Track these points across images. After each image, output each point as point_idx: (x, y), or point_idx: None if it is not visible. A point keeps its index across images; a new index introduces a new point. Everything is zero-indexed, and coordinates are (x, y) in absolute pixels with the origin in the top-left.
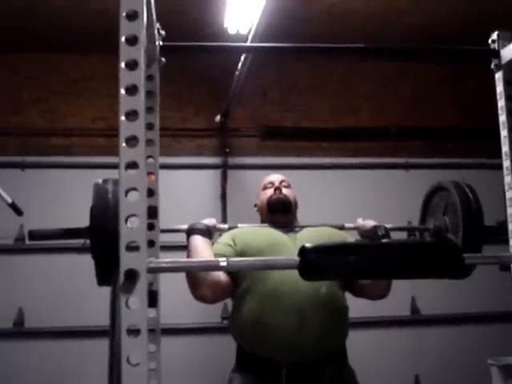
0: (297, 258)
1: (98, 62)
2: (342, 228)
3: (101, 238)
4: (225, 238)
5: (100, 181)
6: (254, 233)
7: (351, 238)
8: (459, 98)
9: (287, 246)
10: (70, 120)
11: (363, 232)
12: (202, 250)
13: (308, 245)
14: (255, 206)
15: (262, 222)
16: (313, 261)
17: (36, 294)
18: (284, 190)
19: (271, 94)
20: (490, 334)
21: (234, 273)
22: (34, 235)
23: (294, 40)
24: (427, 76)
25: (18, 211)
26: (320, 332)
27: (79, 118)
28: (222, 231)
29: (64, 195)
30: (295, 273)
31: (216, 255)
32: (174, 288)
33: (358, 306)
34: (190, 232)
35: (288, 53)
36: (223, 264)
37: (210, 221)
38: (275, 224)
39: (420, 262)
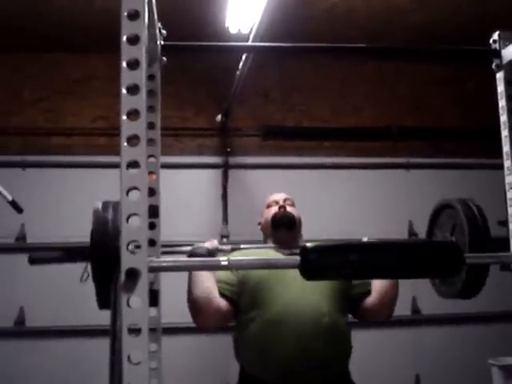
0: (298, 258)
1: (99, 62)
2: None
3: (101, 263)
4: (233, 280)
5: (99, 206)
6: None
7: None
8: (460, 98)
9: (287, 276)
10: (71, 119)
11: None
12: (203, 278)
13: (309, 244)
14: (259, 224)
15: (266, 239)
16: (314, 260)
17: (37, 293)
18: (288, 208)
19: (272, 94)
20: (491, 334)
21: (236, 300)
22: (34, 260)
23: (296, 39)
24: (428, 76)
25: (18, 209)
26: (321, 360)
27: (80, 117)
28: (224, 252)
29: (65, 194)
30: (298, 303)
31: (220, 281)
32: (175, 287)
33: None
34: (193, 255)
35: (289, 53)
36: (224, 263)
37: (211, 244)
38: (279, 242)
39: (421, 262)
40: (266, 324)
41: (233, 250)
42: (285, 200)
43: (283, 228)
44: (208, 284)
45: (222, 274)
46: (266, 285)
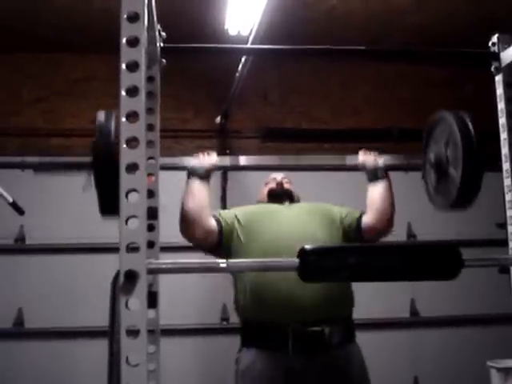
0: (296, 260)
1: (98, 63)
2: (343, 163)
3: (103, 169)
4: (228, 213)
5: (102, 116)
6: (252, 212)
7: (340, 209)
8: (459, 100)
9: (281, 211)
10: (70, 120)
11: (361, 168)
12: (199, 194)
13: (307, 246)
14: (258, 202)
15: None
16: (312, 262)
17: (36, 294)
18: (286, 185)
19: (271, 96)
20: (489, 336)
21: (225, 234)
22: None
23: (295, 41)
24: (427, 78)
25: (19, 210)
26: (320, 294)
27: (79, 118)
28: (222, 167)
29: (64, 196)
30: (293, 234)
31: (219, 213)
32: (173, 289)
33: (358, 309)
34: (190, 174)
35: (289, 55)
36: (223, 265)
37: (209, 160)
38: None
39: (420, 264)
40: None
41: (231, 165)
42: (282, 178)
43: (280, 197)
44: (201, 198)
45: (223, 211)
46: (259, 221)
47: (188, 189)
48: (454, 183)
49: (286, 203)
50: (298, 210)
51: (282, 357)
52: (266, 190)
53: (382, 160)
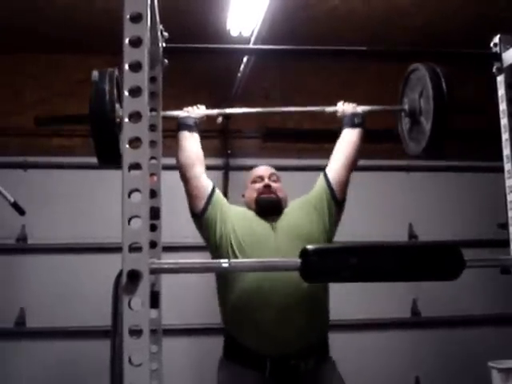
0: (298, 260)
1: (100, 63)
2: (322, 112)
3: (99, 123)
4: (222, 199)
5: (96, 74)
6: (243, 222)
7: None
8: (461, 101)
9: (269, 241)
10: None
11: (341, 117)
12: (189, 146)
13: (309, 247)
14: (243, 196)
15: (249, 208)
16: (314, 263)
17: (38, 293)
18: (273, 186)
19: (273, 96)
20: (491, 336)
21: (207, 207)
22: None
23: (296, 42)
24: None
25: (20, 210)
26: (301, 326)
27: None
28: (211, 116)
29: (66, 196)
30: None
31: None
32: (174, 288)
33: (359, 309)
34: (179, 127)
35: (290, 55)
36: (225, 265)
37: (198, 112)
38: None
39: (421, 265)
40: (247, 293)
41: (218, 115)
42: (270, 176)
43: (268, 210)
44: (192, 149)
45: (219, 193)
46: (247, 249)
47: (179, 142)
48: (424, 133)
49: (274, 223)
50: (285, 236)
51: (260, 378)
52: (253, 194)
53: (360, 108)
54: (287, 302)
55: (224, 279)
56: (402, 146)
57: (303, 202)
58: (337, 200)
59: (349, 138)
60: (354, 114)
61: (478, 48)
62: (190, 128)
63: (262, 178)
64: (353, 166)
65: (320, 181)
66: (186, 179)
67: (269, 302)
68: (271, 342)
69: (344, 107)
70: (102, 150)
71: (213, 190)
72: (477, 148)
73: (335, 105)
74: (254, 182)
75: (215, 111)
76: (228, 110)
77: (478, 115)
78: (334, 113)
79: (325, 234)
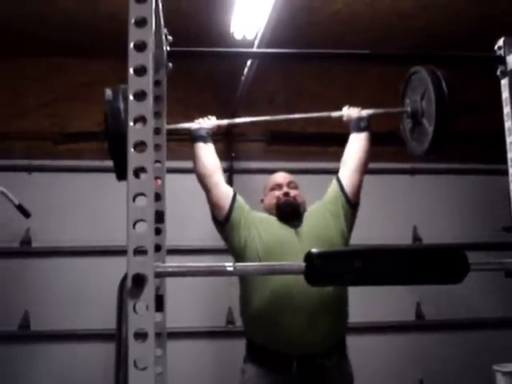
0: (303, 264)
1: (104, 66)
2: (328, 117)
3: (117, 139)
4: (245, 204)
5: (110, 93)
6: (268, 228)
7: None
8: (464, 103)
9: (294, 248)
10: (76, 124)
11: (347, 122)
12: (205, 157)
13: (314, 250)
14: (262, 201)
15: (270, 214)
16: (318, 266)
17: (42, 297)
18: (292, 193)
19: (277, 99)
20: (495, 339)
21: (236, 211)
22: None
23: (300, 45)
24: None
25: (25, 213)
26: (326, 328)
27: (85, 121)
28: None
29: (70, 199)
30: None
31: (238, 197)
32: (178, 292)
33: (363, 312)
34: (193, 139)
35: (294, 59)
36: (230, 269)
37: (210, 123)
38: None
39: (426, 268)
40: (271, 296)
41: (229, 125)
42: (288, 183)
43: (288, 213)
44: (208, 160)
45: (240, 198)
46: (273, 254)
47: (195, 154)
48: (427, 134)
49: (297, 228)
50: (308, 241)
51: (285, 380)
52: (273, 200)
53: (365, 112)
54: (312, 306)
55: (249, 283)
56: (406, 148)
57: (320, 207)
58: (351, 203)
59: (357, 143)
60: (360, 118)
61: (481, 50)
62: (204, 139)
63: (280, 186)
64: (364, 169)
65: (333, 186)
66: (207, 189)
67: (296, 306)
68: (298, 344)
69: (350, 111)
70: (121, 166)
71: (234, 197)
72: (481, 151)
73: (339, 108)
74: (273, 189)
75: (225, 121)
76: (237, 120)
77: (479, 116)
78: (340, 117)
79: (343, 239)
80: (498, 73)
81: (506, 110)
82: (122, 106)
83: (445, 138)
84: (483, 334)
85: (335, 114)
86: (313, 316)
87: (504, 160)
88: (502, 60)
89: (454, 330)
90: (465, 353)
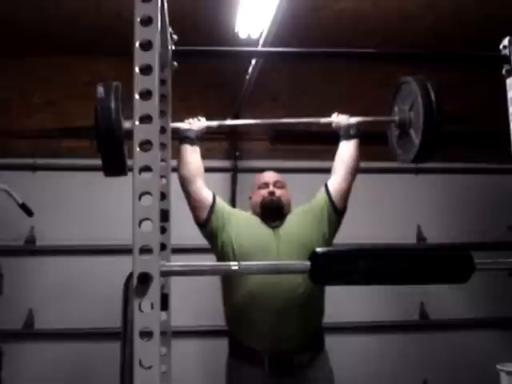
0: (308, 263)
1: (108, 65)
2: (317, 123)
3: (106, 140)
4: (224, 207)
5: (102, 90)
6: (246, 228)
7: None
8: (469, 102)
9: (270, 248)
10: (81, 122)
11: (336, 129)
12: (190, 159)
13: (319, 249)
14: (250, 198)
15: (255, 214)
16: (323, 266)
17: (46, 295)
18: (278, 193)
19: (281, 98)
20: (500, 339)
21: (216, 214)
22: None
23: (305, 44)
24: (437, 80)
25: (28, 212)
26: (297, 327)
27: (90, 120)
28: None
29: (75, 197)
30: (275, 276)
31: (217, 201)
32: (181, 290)
33: (367, 311)
34: (181, 140)
35: (299, 57)
36: (235, 268)
37: (199, 126)
38: (267, 221)
39: (431, 268)
40: (247, 297)
41: (219, 126)
42: (275, 183)
43: (271, 213)
44: (193, 163)
45: (220, 201)
46: (247, 255)
47: (180, 155)
48: (413, 144)
49: (277, 229)
50: (287, 243)
51: (260, 374)
52: (258, 199)
53: (354, 119)
54: (285, 306)
55: (228, 282)
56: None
57: (305, 211)
58: (337, 211)
59: (346, 151)
60: (349, 126)
61: (486, 49)
62: (191, 141)
63: (267, 185)
64: (353, 177)
65: (321, 193)
66: (187, 192)
67: (268, 305)
68: (269, 341)
69: (338, 119)
70: (108, 163)
71: (213, 200)
72: (485, 150)
73: (343, 107)
74: (260, 187)
75: (215, 123)
76: (228, 122)
77: (484, 115)
78: (329, 124)
79: (324, 243)
80: (504, 72)
81: (511, 109)
82: (113, 103)
83: (431, 151)
84: (487, 333)
85: (324, 120)
86: (283, 316)
87: (509, 159)
88: (508, 59)
89: (458, 330)
90: (469, 352)
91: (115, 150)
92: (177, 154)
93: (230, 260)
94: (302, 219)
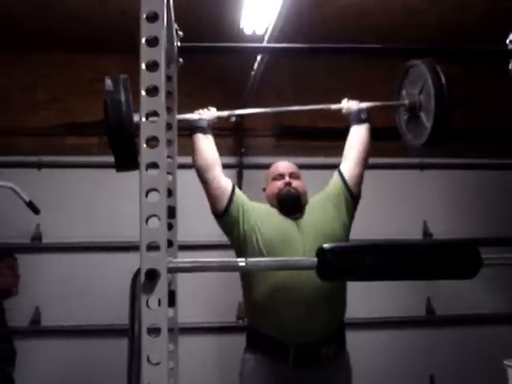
0: (314, 259)
1: (113, 61)
2: (328, 109)
3: (117, 133)
4: (243, 198)
5: (110, 83)
6: (268, 220)
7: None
8: (474, 98)
9: (296, 240)
10: (85, 119)
11: (346, 114)
12: (205, 148)
13: (326, 245)
14: (264, 189)
15: (270, 205)
16: (330, 262)
17: (52, 292)
18: (294, 183)
19: (286, 94)
20: (506, 334)
21: (234, 204)
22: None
23: (310, 40)
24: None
25: (35, 210)
26: (323, 319)
27: (95, 117)
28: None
29: (80, 195)
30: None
31: (236, 191)
32: (188, 287)
33: (373, 307)
34: (193, 130)
35: (304, 53)
36: (242, 264)
37: (210, 115)
38: (284, 213)
39: (438, 263)
40: (273, 288)
41: (229, 116)
42: (290, 174)
43: (289, 205)
44: (208, 152)
45: (241, 194)
46: (274, 247)
47: (194, 145)
48: (424, 128)
49: (299, 221)
50: (311, 235)
51: (283, 367)
52: (274, 190)
53: (364, 104)
54: (311, 299)
55: (250, 275)
56: (405, 139)
57: (322, 199)
58: (353, 196)
59: (358, 134)
60: (360, 110)
61: (491, 44)
62: (204, 130)
63: (282, 176)
64: (366, 161)
65: (335, 178)
66: (205, 181)
67: (294, 298)
68: (295, 333)
69: (349, 104)
70: (120, 158)
71: (233, 189)
72: (491, 145)
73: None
74: (275, 179)
75: (226, 113)
76: (237, 112)
77: (490, 110)
78: (340, 110)
79: (344, 231)
80: (510, 67)
81: None
82: (123, 96)
83: (443, 134)
84: (494, 328)
85: (334, 106)
86: (309, 307)
87: None
88: None
89: (465, 325)
90: (476, 348)
91: (127, 144)
92: (183, 151)
93: (253, 252)
94: (322, 210)
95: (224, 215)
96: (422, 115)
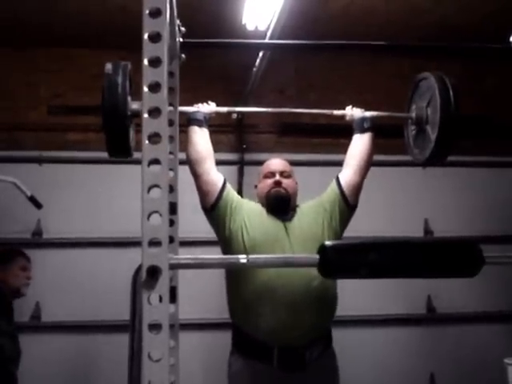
0: (316, 256)
1: (115, 57)
2: (330, 114)
3: (111, 115)
4: (233, 195)
5: (110, 67)
6: (256, 219)
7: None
8: (478, 95)
9: (282, 242)
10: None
11: (350, 121)
12: (199, 142)
13: (328, 242)
14: (255, 187)
15: (261, 203)
16: (332, 259)
17: (53, 288)
18: (284, 183)
19: (288, 90)
20: (507, 332)
21: (223, 200)
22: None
23: (312, 37)
24: (446, 72)
25: (37, 204)
26: (310, 321)
27: (97, 112)
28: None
29: (81, 190)
30: (289, 269)
31: (227, 187)
32: (189, 283)
33: (373, 304)
34: (189, 122)
35: (306, 50)
36: (243, 261)
37: (208, 108)
38: (272, 213)
39: (440, 261)
40: (259, 289)
41: (228, 112)
42: (282, 173)
43: (277, 206)
44: (202, 145)
45: (230, 189)
46: (260, 247)
47: (189, 137)
48: (429, 142)
49: (288, 223)
50: (298, 238)
51: (267, 369)
52: (264, 189)
53: (368, 113)
54: (297, 301)
55: (236, 273)
56: (409, 152)
57: (316, 205)
58: (349, 205)
59: (360, 144)
60: (363, 119)
61: (494, 42)
62: (199, 123)
63: (273, 174)
64: (366, 171)
65: (332, 186)
66: (196, 174)
67: (280, 299)
68: (279, 335)
69: (353, 112)
70: (112, 141)
71: (223, 185)
72: (493, 143)
73: (350, 100)
74: (266, 177)
75: (225, 109)
76: (237, 109)
77: (492, 108)
78: (343, 116)
79: (334, 239)
80: None
81: None
82: (120, 79)
83: (447, 148)
84: (494, 327)
85: (338, 112)
86: (295, 310)
87: None
88: None
89: (465, 323)
90: (476, 346)
91: (119, 128)
92: (184, 147)
93: (239, 251)
94: (314, 216)
95: (212, 210)
96: (428, 128)
